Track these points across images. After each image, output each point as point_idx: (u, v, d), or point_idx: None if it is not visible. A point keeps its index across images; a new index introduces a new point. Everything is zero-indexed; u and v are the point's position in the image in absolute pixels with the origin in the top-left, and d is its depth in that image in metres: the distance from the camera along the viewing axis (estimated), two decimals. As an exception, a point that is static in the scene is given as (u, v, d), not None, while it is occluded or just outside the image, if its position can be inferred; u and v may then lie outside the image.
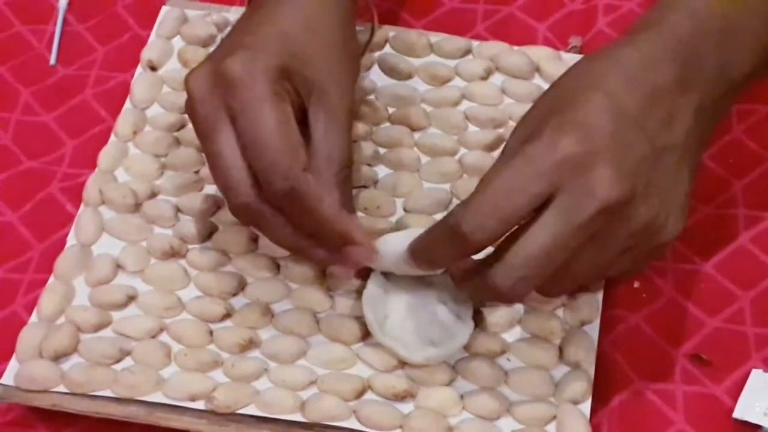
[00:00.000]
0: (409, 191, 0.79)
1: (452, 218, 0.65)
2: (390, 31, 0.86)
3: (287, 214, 0.69)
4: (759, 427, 0.70)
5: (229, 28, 0.86)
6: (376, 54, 0.85)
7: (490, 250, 0.66)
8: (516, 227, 0.65)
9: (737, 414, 0.71)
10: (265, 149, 0.67)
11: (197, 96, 0.69)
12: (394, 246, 0.70)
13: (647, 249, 0.68)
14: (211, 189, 0.79)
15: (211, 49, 0.85)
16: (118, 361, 0.72)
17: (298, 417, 0.70)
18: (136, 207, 0.78)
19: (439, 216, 0.76)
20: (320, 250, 0.71)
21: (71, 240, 0.78)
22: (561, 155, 0.63)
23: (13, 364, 0.72)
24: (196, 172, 0.80)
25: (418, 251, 0.68)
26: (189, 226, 0.78)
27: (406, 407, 0.71)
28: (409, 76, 0.84)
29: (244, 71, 0.68)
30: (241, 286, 0.75)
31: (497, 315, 0.73)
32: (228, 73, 0.68)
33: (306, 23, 0.73)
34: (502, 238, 0.65)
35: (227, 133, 0.68)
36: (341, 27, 0.75)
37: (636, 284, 0.76)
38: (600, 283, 0.74)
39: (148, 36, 0.87)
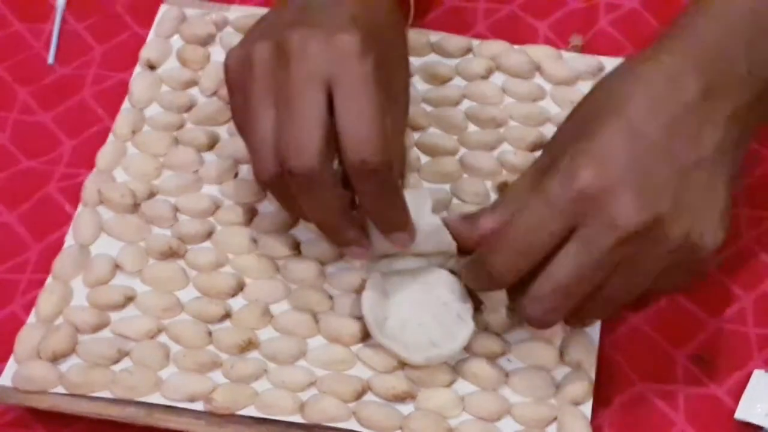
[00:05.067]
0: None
1: (479, 256, 0.67)
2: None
3: (360, 185, 0.68)
4: (761, 428, 0.70)
5: (229, 28, 0.86)
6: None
7: None
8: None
9: (739, 415, 0.70)
10: (368, 125, 0.67)
11: (299, 52, 0.68)
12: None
13: (687, 266, 0.67)
14: (210, 189, 0.79)
15: (211, 48, 0.85)
16: (116, 361, 0.72)
17: (297, 418, 0.70)
18: (135, 207, 0.78)
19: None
20: (354, 231, 0.71)
21: (69, 240, 0.77)
22: (578, 190, 0.64)
23: (11, 365, 0.72)
24: (195, 172, 0.80)
25: (464, 276, 0.71)
26: (188, 226, 0.77)
27: (406, 408, 0.70)
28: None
29: (362, 50, 0.68)
30: (241, 286, 0.75)
31: (498, 315, 0.73)
32: (345, 45, 0.68)
33: (392, 28, 0.74)
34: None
35: (320, 95, 0.67)
36: (405, 29, 0.76)
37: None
38: None
39: (147, 35, 0.87)
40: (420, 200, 0.71)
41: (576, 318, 0.68)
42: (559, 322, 0.72)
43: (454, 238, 0.71)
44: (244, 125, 0.71)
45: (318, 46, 0.68)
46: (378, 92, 0.68)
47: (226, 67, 0.72)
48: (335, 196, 0.69)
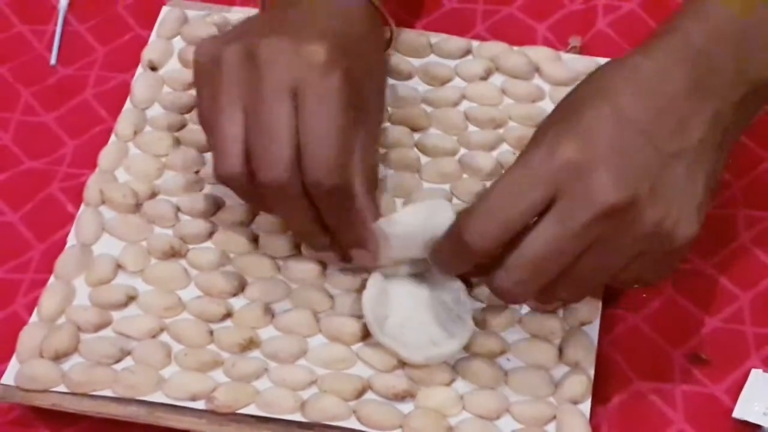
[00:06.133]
0: (409, 191, 0.79)
1: (456, 226, 0.66)
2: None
3: (318, 202, 0.70)
4: (758, 426, 0.70)
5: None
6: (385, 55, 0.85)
7: None
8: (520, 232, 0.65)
9: (737, 414, 0.71)
10: (329, 144, 0.68)
11: (268, 59, 0.69)
12: (397, 227, 0.71)
13: (659, 255, 0.67)
14: (211, 189, 0.79)
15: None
16: (118, 360, 0.72)
17: (298, 417, 0.70)
18: (137, 207, 0.78)
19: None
20: (324, 239, 0.72)
21: (72, 240, 0.78)
22: (559, 161, 0.64)
23: (13, 364, 0.72)
24: (197, 172, 0.80)
25: (433, 257, 0.70)
26: (189, 226, 0.78)
27: (406, 407, 0.71)
28: (409, 76, 0.84)
29: (330, 62, 0.68)
30: (241, 286, 0.75)
31: (497, 315, 0.73)
32: (313, 56, 0.68)
33: (364, 39, 0.74)
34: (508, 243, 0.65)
35: (288, 107, 0.68)
36: (381, 39, 0.75)
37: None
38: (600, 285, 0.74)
39: (149, 36, 0.87)
40: (436, 211, 0.71)
41: (545, 296, 0.68)
42: (556, 322, 0.73)
43: None
44: (208, 122, 0.71)
45: (285, 56, 0.69)
46: (342, 108, 0.68)
47: (196, 61, 0.72)
48: (307, 205, 0.70)
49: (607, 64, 0.69)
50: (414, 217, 0.71)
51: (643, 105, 0.66)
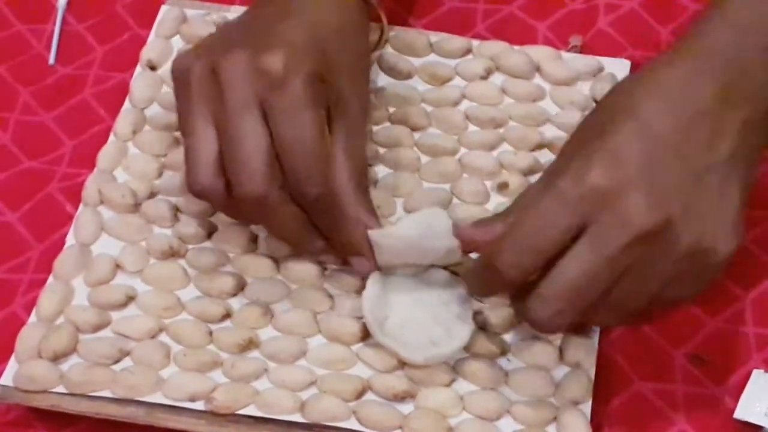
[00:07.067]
0: (409, 191, 0.79)
1: (488, 255, 0.66)
2: (390, 31, 0.86)
3: (307, 209, 0.70)
4: (760, 427, 0.70)
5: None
6: (376, 53, 0.85)
7: None
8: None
9: (738, 414, 0.71)
10: (303, 154, 0.68)
11: (228, 76, 0.69)
12: (392, 237, 0.70)
13: (699, 272, 0.66)
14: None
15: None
16: (117, 361, 0.72)
17: (297, 417, 0.70)
18: (136, 207, 0.78)
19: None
20: (320, 242, 0.72)
21: (70, 240, 0.78)
22: (589, 187, 0.63)
23: (12, 365, 0.72)
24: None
25: (467, 282, 0.71)
26: (188, 226, 0.77)
27: (406, 407, 0.70)
28: (409, 76, 0.84)
29: (287, 71, 0.69)
30: (241, 286, 0.75)
31: (497, 315, 0.73)
32: (270, 68, 0.69)
33: (339, 30, 0.74)
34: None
35: (256, 120, 0.68)
36: (365, 36, 0.76)
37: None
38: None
39: (148, 35, 0.87)
40: (431, 219, 0.71)
41: (581, 324, 0.67)
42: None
43: (465, 244, 0.70)
44: (183, 136, 0.72)
45: (244, 71, 0.69)
46: (311, 114, 0.69)
47: (172, 72, 0.73)
48: (290, 213, 0.70)
49: (631, 77, 0.68)
50: (408, 229, 0.71)
51: (671, 120, 0.65)
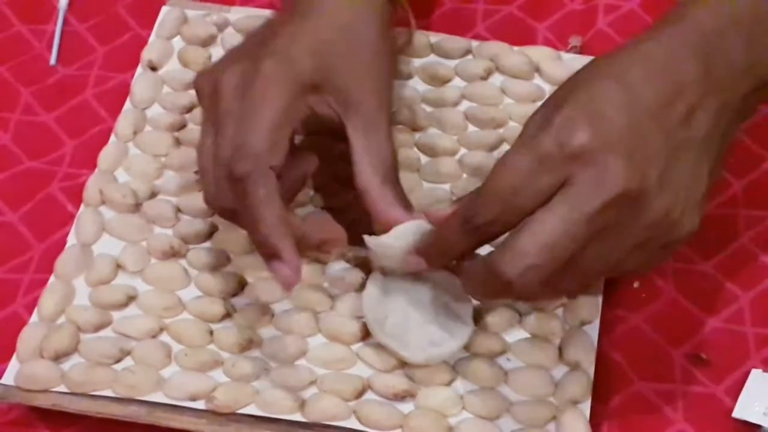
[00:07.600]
0: (409, 191, 0.78)
1: (462, 209, 0.66)
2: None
3: (237, 212, 0.70)
4: (759, 426, 0.70)
5: (230, 29, 0.87)
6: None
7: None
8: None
9: (737, 414, 0.71)
10: (247, 136, 0.69)
11: (221, 91, 0.71)
12: (385, 246, 0.70)
13: (660, 245, 0.66)
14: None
15: (212, 49, 0.86)
16: (118, 360, 0.72)
17: (298, 417, 0.70)
18: (137, 207, 0.78)
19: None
20: (287, 244, 0.70)
21: (71, 240, 0.78)
22: (571, 147, 0.63)
23: (13, 364, 0.73)
24: (196, 172, 0.80)
25: (428, 245, 0.69)
26: (189, 226, 0.78)
27: (406, 407, 0.71)
28: (409, 76, 0.84)
29: (268, 81, 0.70)
30: (241, 286, 0.75)
31: (497, 315, 0.73)
32: (259, 73, 0.70)
33: (344, 31, 0.74)
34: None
35: (212, 138, 0.71)
36: (379, 33, 0.75)
37: (636, 284, 0.76)
38: (600, 283, 0.74)
39: (149, 36, 0.87)
40: (419, 230, 0.70)
41: (548, 288, 0.66)
42: (556, 322, 0.73)
43: (437, 222, 0.69)
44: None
45: (228, 85, 0.71)
46: (276, 110, 0.69)
47: (195, 89, 0.74)
48: (268, 205, 0.68)
49: (615, 49, 0.68)
50: (396, 239, 0.70)
51: (655, 90, 0.65)
